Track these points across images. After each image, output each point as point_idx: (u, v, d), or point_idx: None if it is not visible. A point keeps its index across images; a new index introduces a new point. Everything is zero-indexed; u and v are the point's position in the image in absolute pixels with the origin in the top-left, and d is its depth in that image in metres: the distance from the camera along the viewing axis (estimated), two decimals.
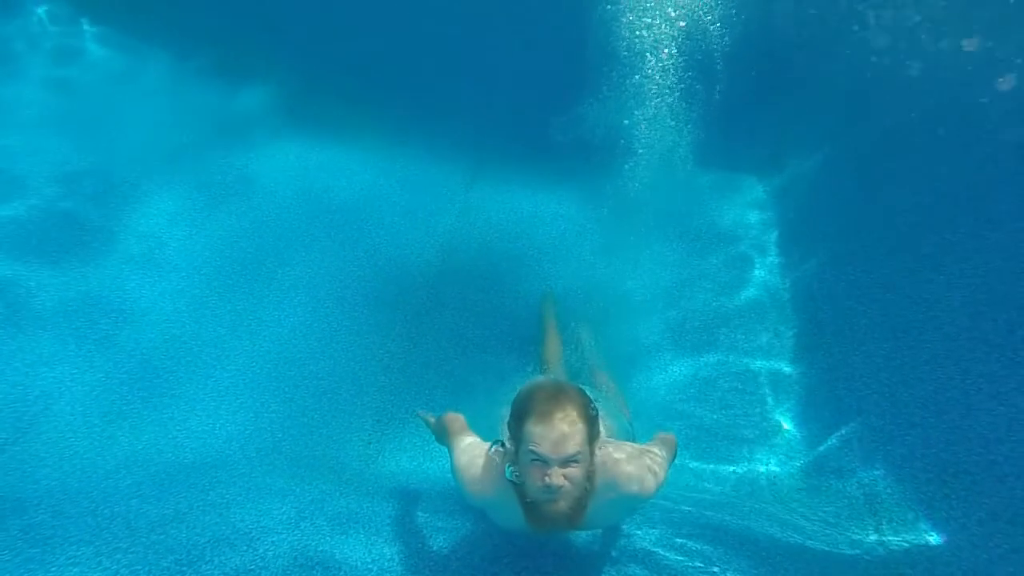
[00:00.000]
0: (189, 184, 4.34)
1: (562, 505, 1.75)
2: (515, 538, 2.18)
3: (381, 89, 5.09)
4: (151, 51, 5.32)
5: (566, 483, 1.72)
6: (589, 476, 1.81)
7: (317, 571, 2.15)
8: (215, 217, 4.16)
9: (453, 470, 2.01)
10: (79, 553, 1.99)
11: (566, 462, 1.72)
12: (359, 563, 2.20)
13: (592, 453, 1.80)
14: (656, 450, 2.02)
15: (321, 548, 2.25)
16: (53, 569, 1.92)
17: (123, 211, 4.13)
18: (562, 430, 1.71)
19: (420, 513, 2.43)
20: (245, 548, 2.20)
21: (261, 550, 2.19)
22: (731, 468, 2.95)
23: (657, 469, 1.93)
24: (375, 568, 2.17)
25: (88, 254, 3.87)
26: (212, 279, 3.81)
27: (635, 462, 1.91)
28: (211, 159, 4.53)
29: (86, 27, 5.47)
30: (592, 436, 1.79)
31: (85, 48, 5.33)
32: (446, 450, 2.15)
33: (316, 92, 5.05)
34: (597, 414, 1.83)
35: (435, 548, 2.24)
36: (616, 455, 1.90)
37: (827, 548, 2.36)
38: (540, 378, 1.85)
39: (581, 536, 2.25)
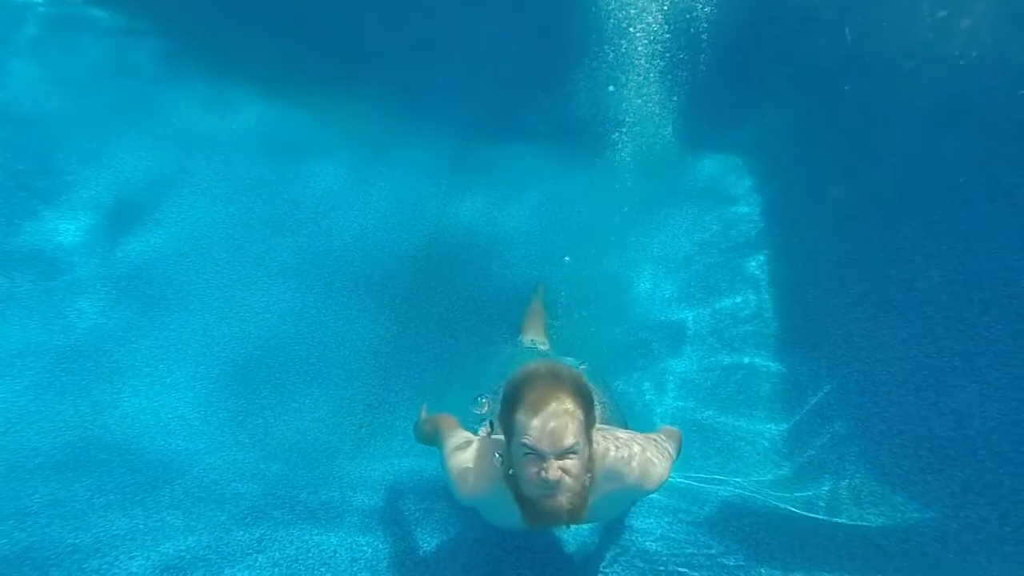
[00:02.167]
0: (174, 170, 4.30)
1: (561, 500, 1.60)
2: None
3: (365, 73, 5.04)
4: (135, 35, 5.23)
5: (564, 477, 1.58)
6: (588, 468, 1.67)
7: (313, 553, 2.19)
8: (201, 203, 4.13)
9: (443, 468, 1.88)
10: (77, 541, 2.02)
11: (563, 454, 1.57)
12: (354, 544, 2.24)
13: (590, 442, 1.66)
14: (660, 441, 1.91)
15: (317, 531, 2.29)
16: (52, 557, 1.95)
17: (108, 199, 4.10)
18: (557, 420, 1.56)
19: (412, 495, 2.48)
20: (242, 533, 2.24)
21: (258, 534, 2.23)
22: (712, 445, 3.02)
23: (662, 461, 1.82)
24: (369, 550, 2.22)
25: (73, 241, 3.84)
26: (199, 266, 3.79)
27: (638, 453, 1.79)
28: (195, 146, 4.48)
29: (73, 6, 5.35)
30: (589, 424, 1.65)
31: (70, 30, 5.21)
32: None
33: (299, 77, 4.99)
34: (593, 399, 1.69)
35: (428, 529, 2.29)
36: (617, 445, 1.78)
37: (807, 521, 2.44)
38: (532, 363, 1.70)
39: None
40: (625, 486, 1.77)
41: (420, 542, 2.24)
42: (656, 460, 1.81)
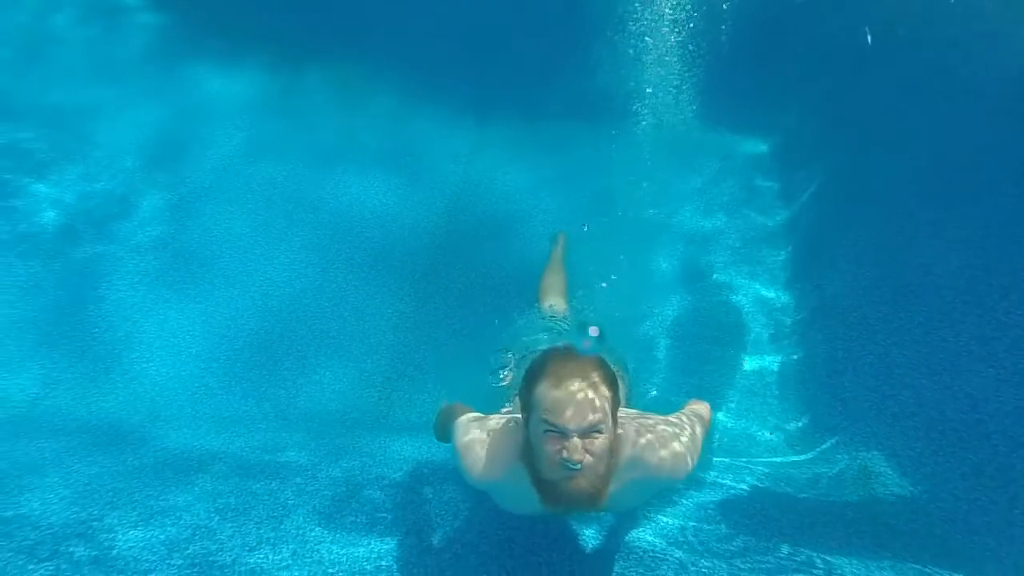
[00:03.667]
0: (197, 147, 4.37)
1: (582, 483, 1.49)
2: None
3: (384, 50, 5.04)
4: (157, 13, 5.26)
5: (587, 457, 1.47)
6: (613, 450, 1.55)
7: (335, 520, 2.27)
8: (224, 179, 4.21)
9: (453, 451, 1.75)
10: (116, 499, 2.13)
11: (587, 433, 1.46)
12: (374, 512, 2.31)
13: (616, 422, 1.55)
14: (688, 423, 1.77)
15: (338, 498, 2.37)
16: (95, 510, 2.07)
17: (135, 176, 4.18)
18: (582, 395, 1.45)
19: (430, 465, 2.54)
20: (267, 497, 2.33)
21: (282, 500, 2.31)
22: (726, 426, 3.05)
23: (690, 450, 1.68)
24: (389, 516, 2.28)
25: (102, 217, 3.94)
26: (223, 241, 3.88)
27: (665, 440, 1.66)
28: (218, 123, 4.54)
29: None
30: (615, 403, 1.54)
31: (94, 14, 5.25)
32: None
33: (317, 57, 5.01)
34: (618, 379, 1.59)
35: (446, 498, 2.35)
36: (643, 431, 1.66)
37: (817, 501, 2.47)
38: (556, 344, 1.61)
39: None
40: (650, 474, 1.65)
41: (438, 511, 2.30)
42: (684, 448, 1.67)
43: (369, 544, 2.06)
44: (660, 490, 2.05)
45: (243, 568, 1.90)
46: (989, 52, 3.17)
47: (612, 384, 1.54)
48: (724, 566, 1.95)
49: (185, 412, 3.03)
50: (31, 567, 1.80)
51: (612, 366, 1.63)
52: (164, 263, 3.75)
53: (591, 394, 1.47)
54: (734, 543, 2.11)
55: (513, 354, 1.79)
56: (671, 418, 1.79)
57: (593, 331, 1.61)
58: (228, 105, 4.67)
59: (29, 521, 1.98)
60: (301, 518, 2.26)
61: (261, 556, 1.96)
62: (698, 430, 1.81)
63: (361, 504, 2.33)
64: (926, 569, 2.01)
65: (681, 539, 2.12)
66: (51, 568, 1.80)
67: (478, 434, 1.72)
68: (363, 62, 4.95)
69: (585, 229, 3.73)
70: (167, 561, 1.88)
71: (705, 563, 1.98)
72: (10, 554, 1.83)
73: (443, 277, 3.80)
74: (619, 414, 1.62)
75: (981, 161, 3.03)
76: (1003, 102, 3.07)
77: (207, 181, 4.18)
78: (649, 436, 1.66)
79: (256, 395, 3.24)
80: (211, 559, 1.92)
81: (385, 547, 2.05)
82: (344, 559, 1.98)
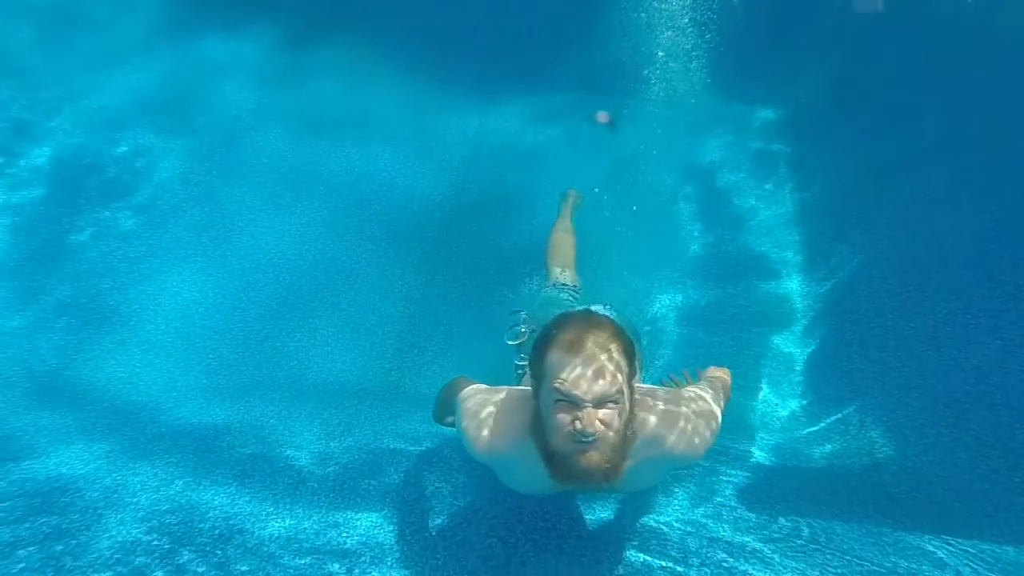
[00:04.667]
0: (206, 121, 4.38)
1: (596, 456, 1.39)
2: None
3: (391, 24, 4.99)
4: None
5: (601, 429, 1.38)
6: (628, 423, 1.46)
7: (348, 486, 2.33)
8: (234, 153, 4.22)
9: (458, 423, 1.66)
10: (137, 466, 2.21)
11: (601, 403, 1.37)
12: (386, 479, 2.37)
13: (632, 393, 1.47)
14: (708, 397, 1.68)
15: (351, 465, 2.43)
16: (119, 477, 2.15)
17: (147, 150, 4.20)
18: (596, 363, 1.36)
19: (442, 435, 2.59)
20: (282, 464, 2.40)
21: (297, 466, 2.38)
22: (732, 399, 3.07)
23: (711, 423, 1.60)
24: (400, 483, 2.34)
25: (115, 192, 3.98)
26: (235, 214, 3.91)
27: (684, 417, 1.57)
28: (225, 97, 4.54)
29: None
30: (631, 373, 1.45)
31: None
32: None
33: (326, 28, 4.97)
34: (634, 347, 1.49)
35: (457, 465, 2.40)
36: (660, 406, 1.57)
37: (821, 469, 2.51)
38: (569, 310, 1.55)
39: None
40: (667, 452, 1.56)
41: (448, 477, 2.35)
42: (704, 424, 1.59)
43: (382, 510, 2.12)
44: (677, 468, 2.00)
45: (263, 533, 1.97)
46: (1002, 19, 3.09)
47: (628, 353, 1.44)
48: (728, 534, 2.00)
49: (201, 383, 3.10)
50: (64, 527, 1.88)
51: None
52: (177, 236, 3.80)
53: (606, 362, 1.38)
54: (737, 513, 2.15)
55: (527, 314, 1.74)
56: (690, 391, 1.70)
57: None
58: (239, 78, 4.65)
59: (59, 486, 2.07)
60: (316, 484, 2.33)
61: (280, 521, 2.03)
62: (719, 403, 1.72)
63: (373, 471, 2.38)
64: (926, 535, 2.05)
65: (686, 507, 2.17)
66: (83, 527, 1.89)
67: (485, 406, 1.63)
68: (373, 35, 4.91)
69: (596, 191, 3.72)
70: (189, 524, 1.95)
71: (710, 530, 2.03)
72: (44, 517, 1.92)
73: (453, 249, 3.82)
74: (634, 388, 1.54)
75: (995, 132, 2.99)
76: (1017, 72, 3.01)
77: (218, 155, 4.21)
78: (667, 412, 1.57)
79: (269, 366, 3.30)
80: (231, 523, 1.99)
81: (397, 513, 2.11)
82: (358, 524, 2.05)
